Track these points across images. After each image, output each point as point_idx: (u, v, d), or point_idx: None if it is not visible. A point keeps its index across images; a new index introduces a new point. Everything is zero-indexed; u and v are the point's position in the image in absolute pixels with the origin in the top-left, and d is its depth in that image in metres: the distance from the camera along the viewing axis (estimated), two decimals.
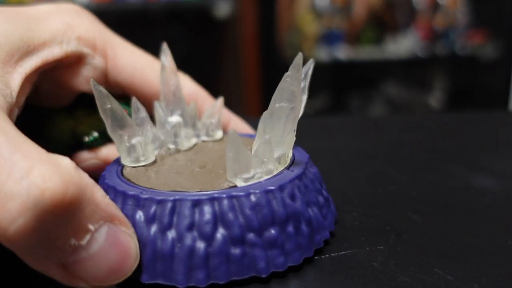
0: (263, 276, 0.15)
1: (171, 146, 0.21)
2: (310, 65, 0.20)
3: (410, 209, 0.21)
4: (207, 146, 0.22)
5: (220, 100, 0.23)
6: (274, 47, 0.93)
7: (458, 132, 0.36)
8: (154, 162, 0.19)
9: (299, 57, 0.16)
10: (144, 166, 0.19)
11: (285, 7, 1.01)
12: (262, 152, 0.17)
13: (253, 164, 0.17)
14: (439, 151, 0.30)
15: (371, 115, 1.02)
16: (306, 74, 0.19)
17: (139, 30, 1.07)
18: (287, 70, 0.22)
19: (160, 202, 0.15)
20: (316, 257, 0.17)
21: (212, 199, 0.15)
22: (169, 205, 0.15)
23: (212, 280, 0.15)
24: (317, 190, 0.18)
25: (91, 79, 0.17)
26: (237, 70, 0.94)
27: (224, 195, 0.15)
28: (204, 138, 0.23)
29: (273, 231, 0.16)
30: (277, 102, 0.17)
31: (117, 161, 0.19)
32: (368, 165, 0.28)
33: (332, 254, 0.17)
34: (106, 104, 0.17)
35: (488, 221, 0.20)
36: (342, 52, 1.07)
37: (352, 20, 1.10)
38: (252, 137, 0.23)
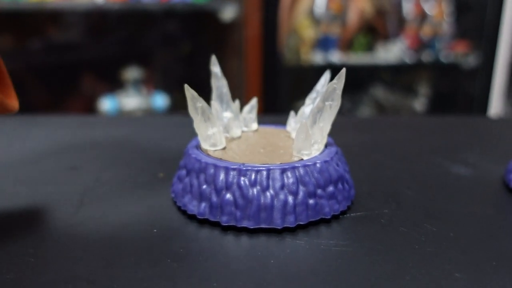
0: (328, 217, 0.23)
1: (227, 135, 0.28)
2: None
3: (405, 187, 0.28)
4: (250, 135, 0.28)
5: (255, 99, 0.30)
6: (275, 49, 1.00)
7: (441, 132, 0.44)
8: (224, 147, 0.26)
9: (343, 71, 0.23)
10: (220, 149, 0.25)
11: (285, 12, 1.08)
12: (317, 136, 0.24)
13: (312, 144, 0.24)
14: (425, 146, 0.38)
15: (364, 116, 1.10)
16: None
17: (144, 31, 1.12)
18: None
19: (259, 171, 0.22)
20: (341, 216, 0.24)
21: (293, 168, 0.22)
22: (265, 173, 0.22)
23: (298, 222, 0.22)
24: (345, 162, 0.26)
25: (185, 84, 0.24)
26: (240, 70, 1.01)
27: (300, 165, 0.23)
28: (244, 129, 0.29)
29: (331, 188, 0.23)
30: (325, 101, 0.24)
31: (193, 146, 0.26)
32: (369, 155, 0.35)
33: (352, 215, 0.24)
34: (198, 103, 0.24)
35: (461, 196, 0.27)
36: (336, 57, 1.15)
37: (346, 27, 1.18)
38: (276, 128, 0.30)
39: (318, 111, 0.24)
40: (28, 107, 1.12)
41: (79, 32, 1.14)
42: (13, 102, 0.23)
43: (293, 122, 0.28)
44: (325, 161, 0.23)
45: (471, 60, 1.26)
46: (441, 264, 0.19)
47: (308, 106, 0.28)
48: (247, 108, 0.29)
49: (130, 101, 1.03)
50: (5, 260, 0.20)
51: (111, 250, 0.21)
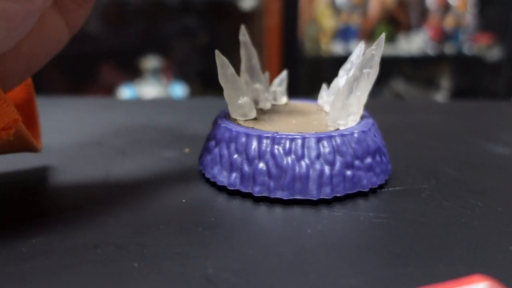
0: (366, 190, 0.22)
1: (257, 107, 0.27)
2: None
3: (443, 164, 0.27)
4: (280, 108, 0.27)
5: (285, 72, 0.28)
6: (295, 39, 0.99)
7: (471, 114, 0.42)
8: (255, 117, 0.24)
9: (382, 36, 0.22)
10: (250, 120, 0.24)
11: (306, 1, 1.07)
12: (354, 105, 0.23)
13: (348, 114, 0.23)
14: (458, 127, 0.36)
15: (389, 100, 1.08)
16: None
17: (163, 20, 1.12)
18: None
19: (293, 140, 0.21)
20: (378, 190, 0.23)
21: (330, 137, 0.21)
22: (300, 141, 0.21)
23: (334, 194, 0.21)
24: (381, 135, 0.25)
25: (216, 50, 0.22)
26: (259, 60, 0.99)
27: (337, 134, 0.21)
28: (273, 102, 0.28)
29: (369, 159, 0.22)
30: (363, 69, 0.22)
31: (222, 116, 0.25)
32: (402, 135, 0.33)
33: (390, 189, 0.23)
34: (228, 70, 0.23)
35: (504, 174, 0.25)
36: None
37: (367, 18, 1.15)
38: (307, 102, 0.29)
39: (355, 80, 0.23)
40: (47, 95, 1.13)
41: (99, 22, 1.14)
42: (38, 145, 0.24)
43: (325, 95, 0.27)
44: (363, 131, 0.22)
45: (494, 53, 1.23)
46: (492, 237, 0.18)
47: (342, 78, 0.26)
48: (276, 81, 0.28)
49: (149, 89, 1.02)
50: (33, 225, 0.19)
51: (139, 218, 0.20)
